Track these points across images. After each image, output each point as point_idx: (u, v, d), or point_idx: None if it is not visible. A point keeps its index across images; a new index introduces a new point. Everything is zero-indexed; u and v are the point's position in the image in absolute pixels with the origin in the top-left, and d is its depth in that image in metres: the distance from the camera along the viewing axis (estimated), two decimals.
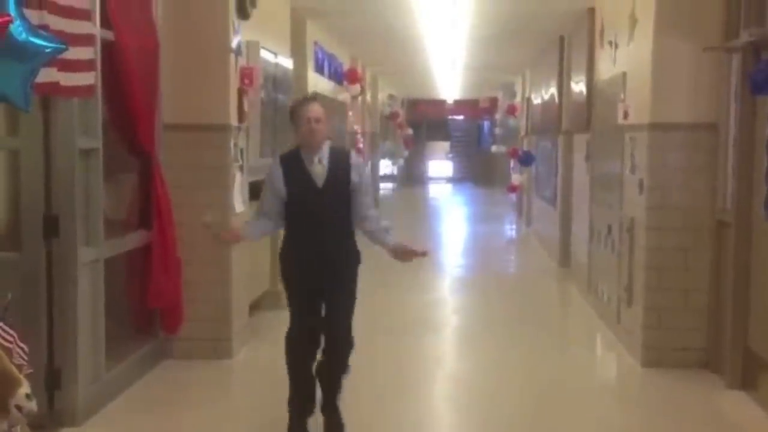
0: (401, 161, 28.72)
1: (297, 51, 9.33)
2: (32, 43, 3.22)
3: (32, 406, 3.00)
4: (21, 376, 3.03)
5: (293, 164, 4.65)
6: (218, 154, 6.28)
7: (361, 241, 4.77)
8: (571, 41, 10.39)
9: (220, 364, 6.29)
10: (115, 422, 5.10)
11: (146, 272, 5.86)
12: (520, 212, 17.50)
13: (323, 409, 4.83)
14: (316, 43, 10.76)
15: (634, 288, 6.54)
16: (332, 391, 4.81)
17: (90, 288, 5.11)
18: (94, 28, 4.92)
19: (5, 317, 3.28)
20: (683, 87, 6.12)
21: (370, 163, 17.25)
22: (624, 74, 7.04)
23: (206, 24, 6.24)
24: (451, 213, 21.12)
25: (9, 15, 3.09)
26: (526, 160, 14.84)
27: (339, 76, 12.72)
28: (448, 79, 19.97)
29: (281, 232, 4.88)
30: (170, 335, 6.23)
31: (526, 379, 6.20)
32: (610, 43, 7.73)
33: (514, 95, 19.33)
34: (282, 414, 4.81)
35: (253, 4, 6.76)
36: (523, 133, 17.00)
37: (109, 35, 5.23)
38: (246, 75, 6.57)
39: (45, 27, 4.00)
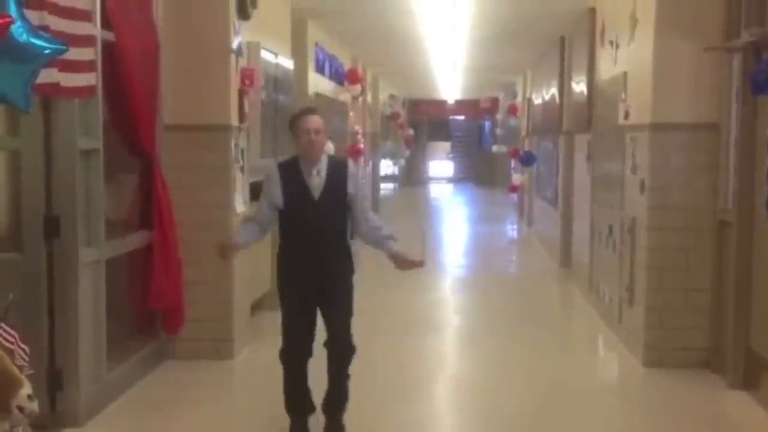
0: (402, 161, 28.72)
1: (298, 51, 9.33)
2: (33, 44, 3.22)
3: (34, 406, 3.00)
4: (23, 377, 3.03)
5: (291, 174, 4.66)
6: (219, 154, 6.28)
7: (362, 245, 4.77)
8: (572, 41, 10.39)
9: (222, 364, 6.29)
10: (116, 423, 5.10)
11: (147, 273, 5.87)
12: (521, 212, 17.50)
13: (324, 410, 4.83)
14: (316, 44, 10.76)
15: (636, 288, 6.54)
16: (337, 400, 4.81)
17: (91, 289, 5.11)
18: (94, 29, 4.92)
19: (7, 318, 3.28)
20: (684, 87, 6.12)
21: (371, 163, 17.26)
22: (625, 74, 7.04)
23: (207, 25, 6.24)
24: (452, 213, 21.12)
25: (10, 16, 3.09)
26: (527, 160, 14.83)
27: (340, 77, 12.72)
28: (449, 79, 19.97)
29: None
30: (171, 336, 6.23)
31: (527, 379, 6.20)
32: (611, 43, 7.73)
33: (515, 95, 19.33)
34: (283, 414, 4.81)
35: (254, 4, 6.76)
36: (524, 133, 17.00)
37: (110, 36, 5.23)
38: (247, 76, 6.57)
39: (45, 28, 4.00)
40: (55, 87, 4.27)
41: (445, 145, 33.64)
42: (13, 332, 3.21)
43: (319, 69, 10.97)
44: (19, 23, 3.16)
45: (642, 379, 6.15)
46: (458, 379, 6.39)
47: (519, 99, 18.40)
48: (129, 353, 5.82)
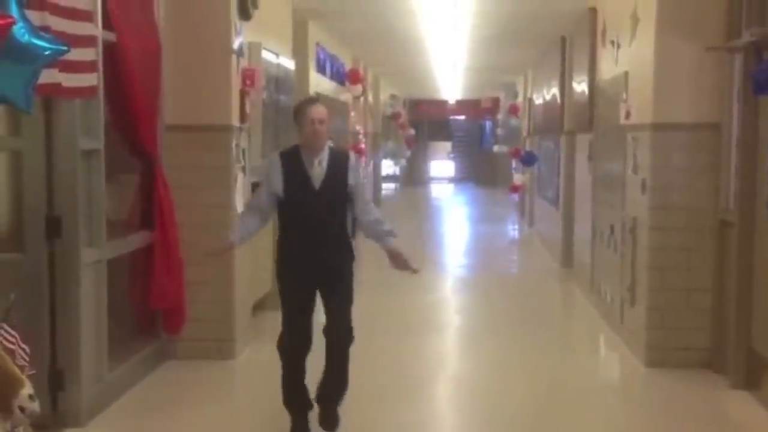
0: (403, 161, 28.72)
1: (299, 52, 9.33)
2: (34, 44, 3.23)
3: (35, 406, 3.00)
4: (24, 377, 3.04)
5: (292, 163, 4.67)
6: (220, 154, 6.28)
7: (364, 240, 4.77)
8: (573, 41, 10.38)
9: (223, 364, 6.29)
10: (117, 423, 5.10)
11: (148, 273, 5.87)
12: (522, 212, 17.50)
13: (320, 399, 4.83)
14: (318, 44, 10.77)
15: (637, 288, 6.54)
16: (334, 388, 4.81)
17: (93, 289, 5.11)
18: (95, 29, 4.92)
19: (8, 318, 3.29)
20: (685, 87, 6.12)
21: (372, 163, 17.26)
22: (626, 74, 7.04)
23: (208, 25, 6.24)
24: (453, 213, 21.11)
25: (11, 16, 3.10)
26: (528, 160, 14.83)
27: (341, 77, 12.73)
28: (450, 79, 19.98)
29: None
30: (173, 336, 6.23)
31: (529, 379, 6.19)
32: (612, 42, 7.73)
33: (516, 95, 19.33)
34: (284, 414, 4.81)
35: (255, 5, 6.76)
36: (525, 133, 17.00)
37: (111, 36, 5.23)
38: (248, 76, 6.58)
39: (47, 28, 4.00)
40: (56, 87, 4.28)
41: (446, 145, 33.64)
42: (14, 332, 3.22)
43: (321, 69, 10.98)
44: (20, 24, 3.16)
45: (643, 379, 6.15)
46: (459, 379, 6.39)
47: (520, 99, 18.39)
48: (130, 353, 5.82)
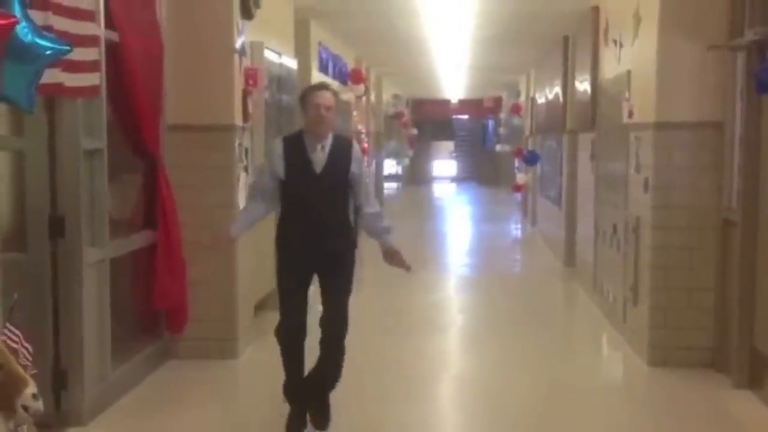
0: (406, 161, 28.72)
1: (301, 51, 9.33)
2: (37, 44, 3.23)
3: (39, 405, 3.01)
4: (27, 376, 3.04)
5: (294, 147, 4.65)
6: (223, 154, 6.29)
7: (366, 239, 4.77)
8: (576, 40, 10.38)
9: (226, 364, 6.30)
10: (120, 422, 5.11)
11: (151, 272, 5.87)
12: (524, 212, 17.49)
13: (312, 386, 4.84)
14: (320, 44, 10.77)
15: (640, 287, 6.53)
16: (328, 376, 4.81)
17: (95, 288, 5.11)
18: (98, 29, 4.92)
19: (12, 318, 3.29)
20: (688, 86, 6.11)
21: (374, 162, 17.26)
22: (628, 73, 7.03)
23: (210, 25, 6.24)
24: (456, 212, 21.11)
25: (14, 16, 3.10)
26: (530, 159, 14.83)
27: (343, 76, 12.72)
28: (453, 79, 19.98)
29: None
30: (175, 335, 6.23)
31: (531, 378, 6.19)
32: (615, 42, 7.72)
33: (518, 95, 19.32)
34: (287, 413, 4.81)
35: (257, 4, 6.77)
36: (527, 132, 16.99)
37: (114, 36, 5.24)
38: (250, 75, 6.58)
39: (49, 28, 4.00)
40: (58, 87, 4.28)
41: (449, 145, 33.64)
42: (17, 332, 3.22)
43: (323, 69, 10.98)
44: (23, 23, 3.16)
45: (646, 378, 6.14)
46: (462, 379, 6.38)
47: (522, 98, 18.38)
48: (133, 353, 5.82)
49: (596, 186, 8.65)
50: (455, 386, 6.27)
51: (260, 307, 7.34)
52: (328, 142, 4.65)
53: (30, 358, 3.26)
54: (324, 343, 4.73)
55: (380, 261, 4.91)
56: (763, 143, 5.51)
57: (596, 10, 8.78)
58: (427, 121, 31.76)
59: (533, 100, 15.75)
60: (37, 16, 3.89)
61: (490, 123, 30.52)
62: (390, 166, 25.39)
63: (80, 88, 4.63)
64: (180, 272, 5.98)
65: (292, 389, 4.81)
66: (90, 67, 4.73)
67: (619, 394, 6.02)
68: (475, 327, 8.23)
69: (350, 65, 13.50)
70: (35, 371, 3.26)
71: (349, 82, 13.09)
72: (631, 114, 6.90)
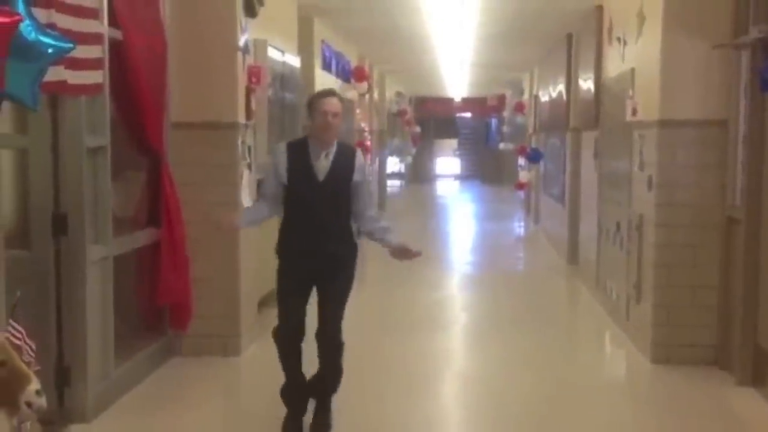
0: (409, 159, 28.70)
1: (304, 49, 9.33)
2: (41, 42, 3.23)
3: (42, 402, 3.01)
4: (31, 373, 3.04)
5: (298, 154, 4.66)
6: (226, 151, 6.29)
7: (367, 240, 4.77)
8: (579, 38, 10.37)
9: (229, 361, 6.31)
10: (123, 419, 5.12)
11: (155, 270, 5.88)
12: (528, 210, 17.48)
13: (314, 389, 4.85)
14: (323, 41, 10.76)
15: (643, 285, 6.53)
16: (325, 392, 4.83)
17: (99, 286, 5.12)
18: (101, 26, 4.93)
19: (14, 315, 3.30)
20: (692, 84, 6.10)
21: (377, 160, 17.25)
22: (632, 71, 7.02)
23: (214, 23, 6.25)
24: (459, 210, 21.11)
25: (18, 14, 3.10)
26: (534, 157, 14.82)
27: (346, 74, 12.72)
28: (456, 77, 19.95)
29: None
30: (179, 332, 6.24)
31: (535, 376, 6.19)
32: (619, 40, 7.71)
33: (522, 93, 19.31)
34: None
35: (261, 2, 6.76)
36: (531, 130, 16.98)
37: (117, 34, 5.24)
38: (253, 73, 6.58)
39: (52, 26, 4.01)
40: (62, 85, 4.28)
41: (452, 143, 33.61)
42: (20, 328, 3.23)
43: (326, 66, 10.97)
44: (27, 21, 3.17)
45: (649, 376, 6.14)
46: (465, 377, 6.39)
47: (526, 96, 18.37)
48: (136, 350, 5.83)
49: (599, 184, 8.64)
50: (458, 384, 6.27)
51: (263, 304, 7.35)
52: (333, 150, 4.66)
53: (33, 355, 3.27)
54: (322, 356, 4.74)
55: (382, 258, 4.91)
56: (766, 141, 5.50)
57: (600, 8, 8.77)
58: (430, 119, 31.74)
59: (537, 98, 15.74)
60: (41, 14, 3.90)
61: (494, 121, 30.49)
62: (393, 164, 25.40)
63: (83, 86, 4.64)
64: (183, 269, 5.99)
65: (290, 391, 4.81)
66: (93, 64, 4.74)
67: (622, 392, 6.02)
68: (478, 325, 8.24)
69: (353, 63, 13.49)
70: (38, 368, 3.27)
71: (352, 80, 13.09)
72: (634, 112, 6.89)
